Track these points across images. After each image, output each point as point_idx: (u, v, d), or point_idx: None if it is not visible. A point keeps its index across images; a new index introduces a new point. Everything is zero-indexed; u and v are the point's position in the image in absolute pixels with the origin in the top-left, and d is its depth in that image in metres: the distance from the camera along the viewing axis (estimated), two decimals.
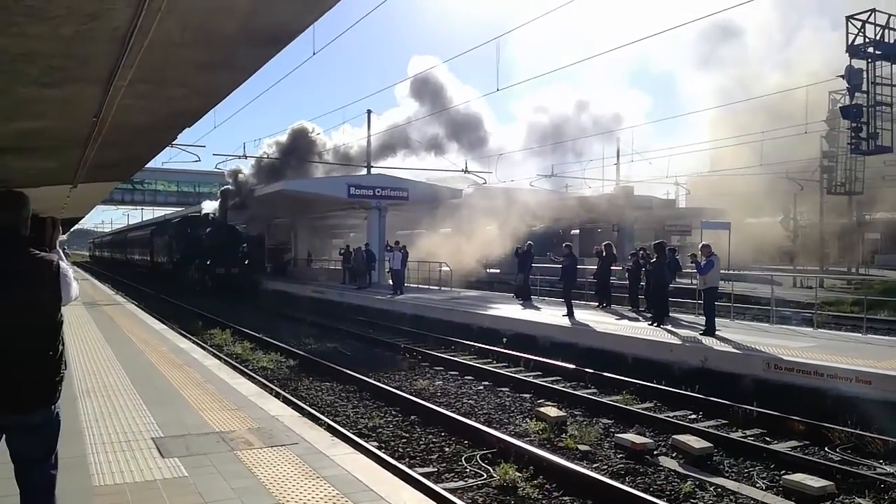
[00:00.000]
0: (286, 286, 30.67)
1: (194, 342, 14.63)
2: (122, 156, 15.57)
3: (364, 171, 33.22)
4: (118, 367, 9.75)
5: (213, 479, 5.06)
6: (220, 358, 12.90)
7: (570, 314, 16.34)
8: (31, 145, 12.76)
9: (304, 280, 31.97)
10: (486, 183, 37.54)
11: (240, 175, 37.02)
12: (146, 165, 21.29)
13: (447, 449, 8.17)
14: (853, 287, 27.15)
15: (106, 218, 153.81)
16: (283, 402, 8.52)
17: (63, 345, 3.29)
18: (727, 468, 7.54)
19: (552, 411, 9.24)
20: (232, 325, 19.34)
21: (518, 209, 29.80)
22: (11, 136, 11.81)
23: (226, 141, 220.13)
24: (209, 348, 14.83)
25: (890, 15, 23.34)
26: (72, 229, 71.98)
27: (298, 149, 36.23)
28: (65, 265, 3.29)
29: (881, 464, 7.58)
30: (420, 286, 26.78)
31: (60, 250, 3.52)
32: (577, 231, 37.09)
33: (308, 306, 25.08)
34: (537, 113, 38.35)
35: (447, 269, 28.27)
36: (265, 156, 36.47)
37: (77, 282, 3.42)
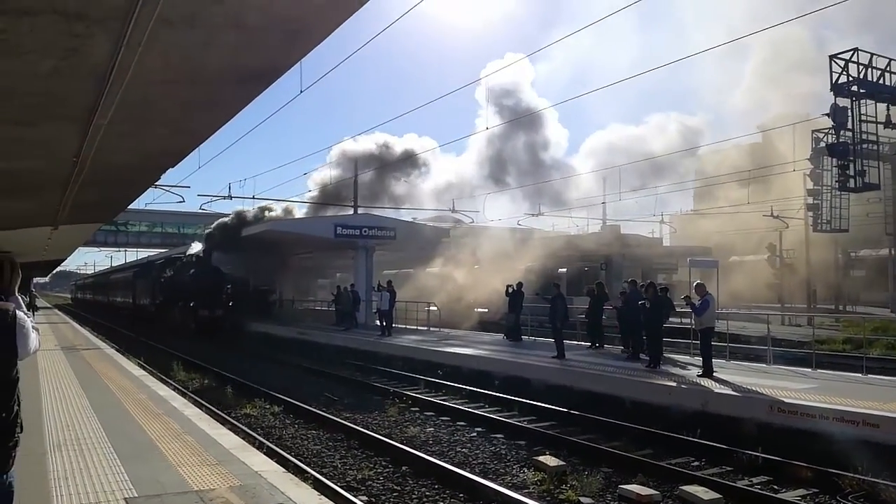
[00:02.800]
0: (271, 328, 30.11)
1: (175, 389, 14.09)
2: (104, 197, 15.25)
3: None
4: (93, 416, 9.26)
5: None
6: (201, 406, 12.39)
7: (560, 355, 15.99)
8: (9, 187, 12.40)
9: (289, 322, 31.41)
10: (472, 222, 37.50)
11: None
12: (129, 206, 21.03)
13: (441, 503, 7.72)
14: (842, 325, 27.02)
15: (89, 260, 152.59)
16: (266, 454, 8.07)
17: (18, 405, 2.91)
18: None
19: (550, 460, 8.83)
20: (215, 369, 18.79)
21: (508, 249, 29.59)
22: None
23: (211, 181, 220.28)
24: (190, 395, 14.28)
25: (872, 54, 23.74)
26: (54, 271, 71.12)
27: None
28: (21, 315, 2.92)
29: None
30: (408, 327, 26.33)
31: (19, 297, 3.17)
32: (565, 270, 36.80)
33: (293, 349, 24.53)
34: (527, 150, 38.42)
35: (435, 308, 27.90)
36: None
37: (37, 331, 3.06)
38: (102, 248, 73.50)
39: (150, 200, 34.11)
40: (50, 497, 5.69)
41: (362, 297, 28.13)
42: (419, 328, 25.75)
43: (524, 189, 36.09)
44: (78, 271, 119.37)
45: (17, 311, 2.91)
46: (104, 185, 13.23)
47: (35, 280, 59.65)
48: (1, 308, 2.86)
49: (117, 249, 74.04)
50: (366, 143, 36.96)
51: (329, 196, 35.78)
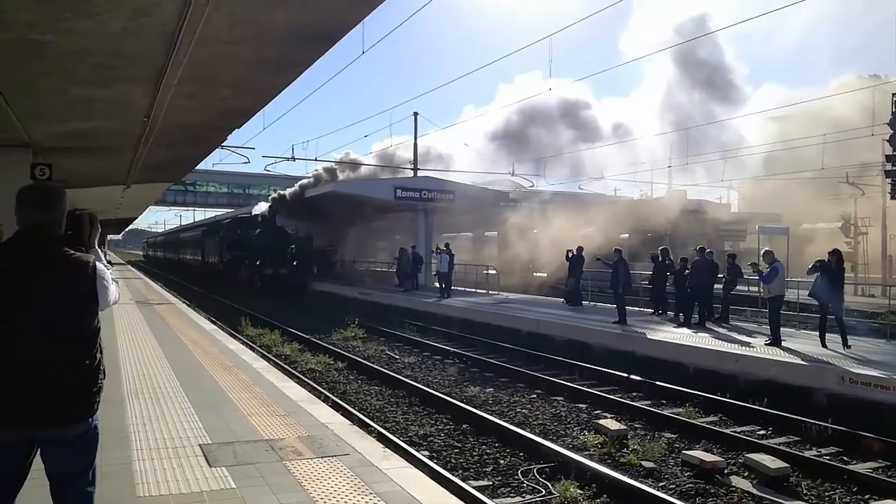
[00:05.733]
0: (333, 287, 30.65)
1: (244, 343, 14.55)
2: (173, 157, 15.67)
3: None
4: (167, 367, 9.63)
5: (261, 493, 4.76)
6: (269, 360, 12.76)
7: (621, 320, 15.78)
8: (84, 146, 12.84)
9: (350, 282, 31.91)
10: (532, 186, 37.07)
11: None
12: (197, 167, 21.56)
13: (502, 461, 7.77)
14: None
15: (159, 218, 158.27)
16: (332, 407, 8.25)
17: (101, 353, 3.00)
18: (805, 490, 6.96)
19: (612, 424, 8.75)
20: (281, 325, 19.31)
21: (569, 213, 29.12)
22: (64, 137, 11.88)
23: (275, 143, 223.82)
24: (258, 349, 14.73)
25: None
26: (126, 229, 73.84)
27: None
28: (102, 267, 2.99)
29: None
30: (467, 289, 26.43)
31: (99, 250, 3.24)
32: (626, 235, 36.17)
33: (355, 308, 24.91)
34: (589, 112, 37.43)
35: (493, 272, 27.87)
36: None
37: (117, 283, 3.13)
38: (172, 207, 75.59)
39: (217, 161, 34.87)
40: (129, 441, 5.94)
41: (423, 260, 28.33)
42: (477, 291, 25.80)
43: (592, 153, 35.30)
44: (149, 229, 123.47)
45: (98, 263, 2.98)
46: (173, 145, 13.56)
47: (108, 237, 62.17)
48: (82, 259, 2.93)
49: (186, 209, 76.08)
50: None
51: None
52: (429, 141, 36.54)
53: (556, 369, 13.39)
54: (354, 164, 37.74)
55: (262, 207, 36.36)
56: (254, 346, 15.24)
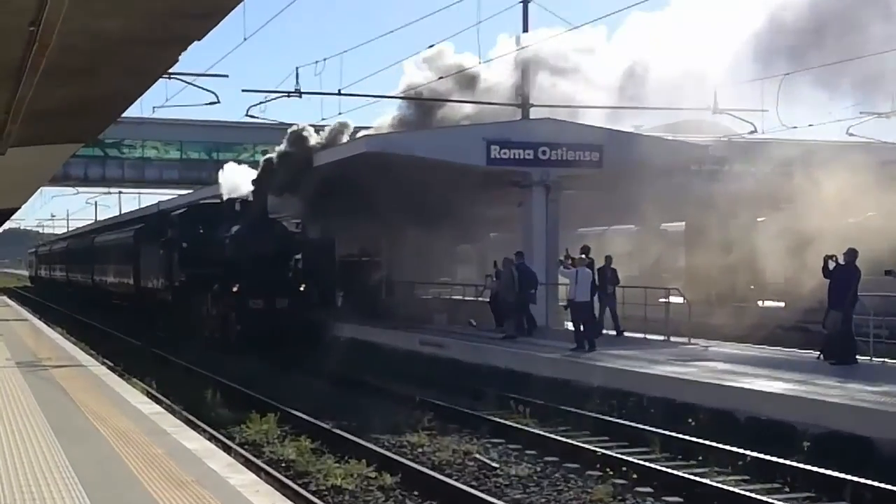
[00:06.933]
0: (373, 332, 30.89)
1: (211, 438, 14.80)
2: (83, 95, 16.11)
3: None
4: (75, 485, 9.84)
5: None
6: (257, 469, 12.93)
7: None
8: None
9: (405, 322, 32.02)
10: (754, 132, 36.32)
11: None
12: (125, 113, 22.13)
13: None
14: None
15: (58, 209, 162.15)
16: None
17: None
18: None
19: None
20: (278, 405, 19.54)
21: (829, 181, 28.38)
22: None
23: (265, 68, 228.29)
24: (238, 450, 14.96)
25: None
26: None
27: None
28: None
29: None
30: (629, 334, 26.22)
31: None
32: None
33: (413, 371, 25.04)
34: None
35: (680, 300, 27.51)
36: None
37: None
38: (81, 189, 77.85)
39: (160, 103, 35.66)
40: None
41: (541, 279, 27.89)
42: (648, 337, 25.58)
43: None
44: (40, 230, 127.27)
45: None
46: (82, 75, 13.94)
47: None
48: None
49: (106, 191, 78.26)
50: None
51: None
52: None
53: (805, 489, 13.13)
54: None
55: (239, 185, 36.72)
56: (230, 443, 15.49)
